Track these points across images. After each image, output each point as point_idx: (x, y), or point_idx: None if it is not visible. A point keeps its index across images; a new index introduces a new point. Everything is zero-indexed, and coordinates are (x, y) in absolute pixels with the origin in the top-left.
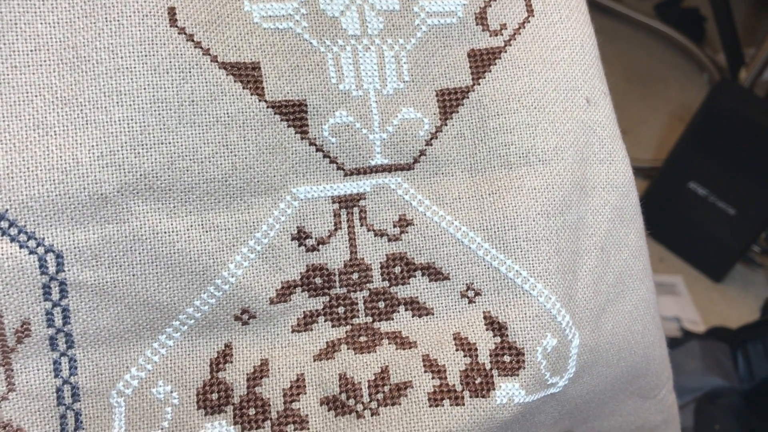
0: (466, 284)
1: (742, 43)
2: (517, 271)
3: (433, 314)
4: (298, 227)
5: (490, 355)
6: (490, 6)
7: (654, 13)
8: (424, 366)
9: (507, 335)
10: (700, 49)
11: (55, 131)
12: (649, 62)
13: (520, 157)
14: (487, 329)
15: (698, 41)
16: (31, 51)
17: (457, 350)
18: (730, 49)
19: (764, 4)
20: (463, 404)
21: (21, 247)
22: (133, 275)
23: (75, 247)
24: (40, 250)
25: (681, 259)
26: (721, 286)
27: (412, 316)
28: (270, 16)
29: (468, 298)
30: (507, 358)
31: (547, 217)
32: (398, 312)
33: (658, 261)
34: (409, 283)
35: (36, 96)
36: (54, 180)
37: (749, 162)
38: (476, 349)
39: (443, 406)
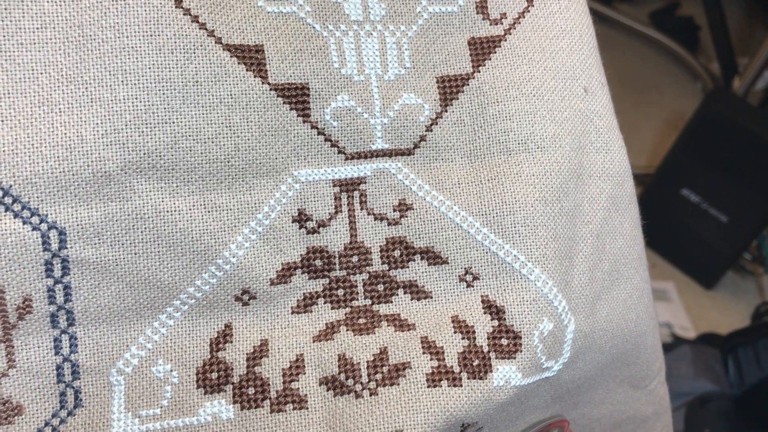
0: (465, 268)
1: (736, 52)
2: (515, 255)
3: (431, 297)
4: (299, 209)
5: (488, 338)
6: None
7: (649, 21)
8: (423, 347)
9: (504, 319)
10: (694, 58)
11: (60, 108)
12: (644, 70)
13: (518, 143)
14: (485, 312)
15: (692, 50)
16: (37, 29)
17: (455, 332)
18: (724, 59)
19: (758, 14)
20: (461, 385)
21: (24, 223)
22: (135, 254)
23: (78, 225)
24: (44, 226)
25: (673, 265)
26: (713, 292)
27: (411, 299)
28: (274, 0)
29: (466, 281)
30: (504, 341)
31: (544, 203)
32: (397, 295)
33: (651, 267)
34: (408, 267)
35: (41, 73)
36: (58, 157)
37: (742, 170)
38: (474, 332)
39: (441, 386)
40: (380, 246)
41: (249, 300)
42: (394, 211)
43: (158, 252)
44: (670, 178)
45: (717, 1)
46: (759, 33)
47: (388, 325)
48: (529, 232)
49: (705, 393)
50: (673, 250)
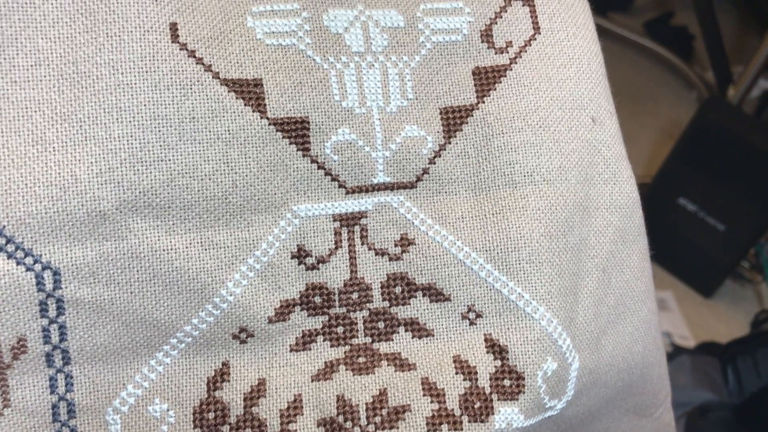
0: (468, 306)
1: (731, 61)
2: (519, 293)
3: (433, 336)
4: (298, 245)
5: (490, 379)
6: (496, 23)
7: (643, 31)
8: (423, 389)
9: (507, 359)
10: (689, 67)
11: (54, 147)
12: (639, 79)
13: (524, 176)
14: (487, 352)
15: (687, 59)
16: (32, 66)
17: (456, 373)
18: (719, 67)
19: (751, 22)
20: (462, 429)
21: (18, 263)
22: (131, 293)
23: (72, 264)
24: (37, 267)
25: (671, 274)
26: (711, 301)
27: (412, 338)
28: (273, 32)
29: (469, 320)
30: (507, 382)
31: (550, 238)
32: (398, 333)
33: None
34: (409, 304)
35: (35, 111)
36: (52, 197)
37: (738, 178)
38: (476, 373)
39: (441, 430)
40: (381, 282)
41: (246, 338)
42: (396, 246)
43: (154, 291)
44: (667, 188)
45: (710, 10)
46: (753, 41)
47: (388, 365)
48: (534, 269)
49: (704, 403)
50: (671, 259)
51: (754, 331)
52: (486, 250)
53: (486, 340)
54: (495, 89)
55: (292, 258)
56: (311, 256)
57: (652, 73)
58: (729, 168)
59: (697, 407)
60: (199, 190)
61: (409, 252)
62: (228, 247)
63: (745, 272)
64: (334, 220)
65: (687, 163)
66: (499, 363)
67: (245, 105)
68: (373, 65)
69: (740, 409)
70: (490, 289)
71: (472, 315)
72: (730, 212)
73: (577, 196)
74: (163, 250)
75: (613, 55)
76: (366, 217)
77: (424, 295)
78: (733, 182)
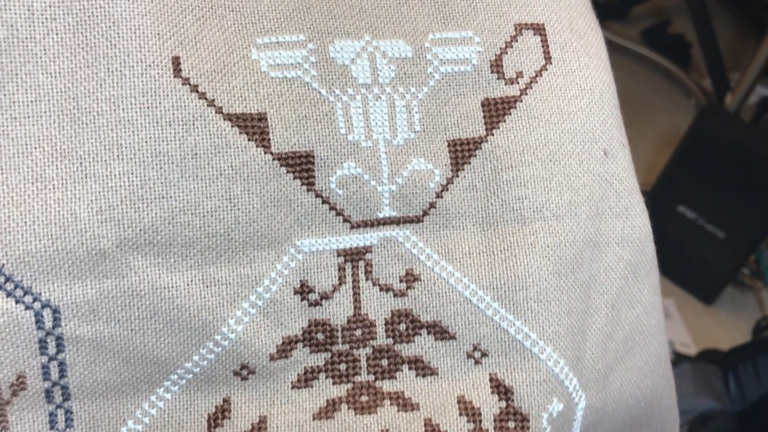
0: (473, 344)
1: (728, 68)
2: (526, 333)
3: (437, 374)
4: (301, 281)
5: (494, 421)
6: (506, 53)
7: (641, 40)
8: (426, 431)
9: (513, 400)
10: (686, 75)
11: (53, 185)
12: (637, 88)
13: (533, 211)
14: (492, 393)
15: (685, 67)
16: (32, 102)
17: (460, 415)
18: (716, 75)
19: (748, 29)
20: None
21: (17, 302)
22: (132, 330)
23: (72, 303)
24: (37, 305)
25: (672, 282)
26: (713, 308)
27: (416, 376)
28: (278, 65)
29: (474, 358)
30: (511, 424)
31: (558, 276)
32: (401, 371)
33: None
34: (413, 341)
35: (35, 148)
36: (52, 235)
37: (737, 185)
38: (480, 414)
39: None
40: (385, 319)
41: (248, 375)
42: (401, 281)
43: (155, 328)
44: (666, 195)
45: (706, 17)
46: (750, 48)
47: (391, 404)
48: (542, 308)
49: (706, 410)
50: (671, 267)
51: (754, 338)
52: (493, 288)
53: (491, 380)
54: (504, 121)
55: (294, 294)
56: (314, 292)
57: (650, 82)
58: (728, 175)
59: (699, 415)
60: (200, 227)
61: (414, 288)
62: (230, 284)
63: (745, 279)
64: (339, 255)
65: (686, 171)
66: (503, 404)
67: (249, 140)
68: (380, 97)
69: (742, 416)
70: (497, 328)
71: (477, 354)
72: (730, 219)
73: (588, 232)
74: (164, 288)
75: (611, 64)
76: (371, 251)
77: (428, 333)
78: (733, 189)
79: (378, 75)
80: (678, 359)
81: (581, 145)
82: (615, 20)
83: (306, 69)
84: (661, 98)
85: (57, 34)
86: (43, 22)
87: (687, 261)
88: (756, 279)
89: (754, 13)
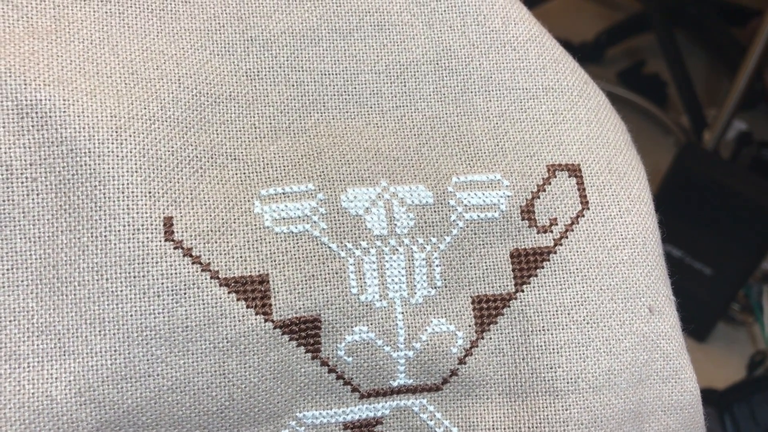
0: None
1: (704, 104)
2: None
3: None
4: None
5: None
6: (538, 197)
7: (617, 81)
8: None
9: None
10: (664, 113)
11: (28, 363)
12: None
13: (567, 383)
14: None
15: (662, 105)
16: (8, 270)
17: None
18: (692, 112)
19: (720, 67)
20: None
21: None
22: None
23: None
24: None
25: None
26: (705, 345)
27: None
28: (284, 219)
29: None
30: None
31: None
32: None
33: None
34: None
35: (10, 322)
36: (24, 420)
37: (720, 222)
38: None
39: None
40: None
41: None
42: None
43: None
44: None
45: (679, 56)
46: (724, 84)
47: None
48: None
49: None
50: None
51: (747, 377)
52: None
53: None
54: (536, 276)
55: None
56: None
57: (629, 122)
58: (710, 212)
59: None
60: (191, 406)
61: None
62: None
63: (736, 315)
64: (345, 428)
65: (668, 211)
66: None
67: (247, 307)
68: (397, 250)
69: None
70: None
71: None
72: (716, 256)
73: (628, 403)
74: None
75: None
76: (381, 423)
77: None
78: (716, 226)
79: (395, 225)
80: None
81: (623, 303)
82: (590, 63)
83: (315, 222)
84: (641, 137)
85: (38, 194)
86: (23, 182)
87: (676, 299)
88: (747, 314)
89: (725, 50)
